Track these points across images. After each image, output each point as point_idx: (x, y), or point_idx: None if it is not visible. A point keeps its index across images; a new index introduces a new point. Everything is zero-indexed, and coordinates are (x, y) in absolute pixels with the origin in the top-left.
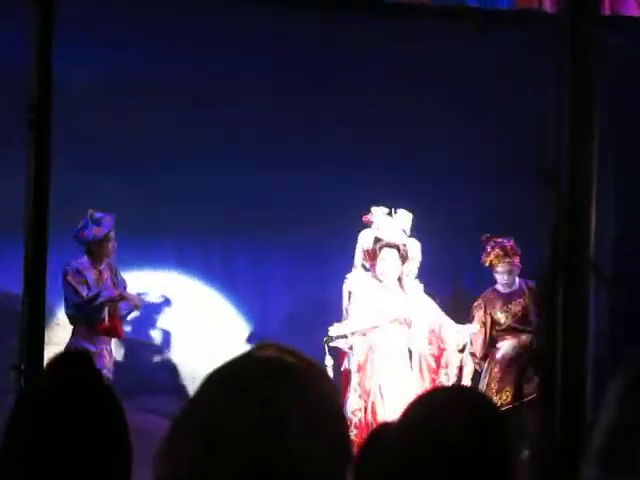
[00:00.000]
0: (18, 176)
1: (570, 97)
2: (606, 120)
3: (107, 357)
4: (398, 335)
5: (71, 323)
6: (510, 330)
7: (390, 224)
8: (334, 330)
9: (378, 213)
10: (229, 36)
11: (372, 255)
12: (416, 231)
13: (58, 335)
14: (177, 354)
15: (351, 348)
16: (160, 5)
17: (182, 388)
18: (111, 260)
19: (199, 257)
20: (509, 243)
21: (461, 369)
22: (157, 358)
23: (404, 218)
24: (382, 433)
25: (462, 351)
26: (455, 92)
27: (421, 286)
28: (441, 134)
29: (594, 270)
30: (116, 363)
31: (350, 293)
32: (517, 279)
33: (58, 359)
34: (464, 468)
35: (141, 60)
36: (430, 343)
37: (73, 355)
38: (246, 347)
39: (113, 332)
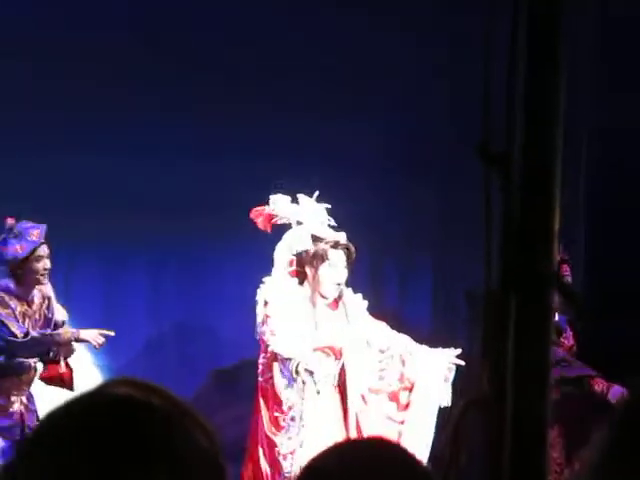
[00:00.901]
0: None
1: (530, 53)
2: (578, 83)
3: (20, 412)
4: (325, 366)
5: None
6: None
7: (321, 217)
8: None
9: (301, 203)
10: None
11: (312, 260)
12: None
13: None
14: None
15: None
16: None
17: None
18: (45, 287)
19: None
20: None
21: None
22: None
23: (320, 207)
24: None
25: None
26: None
27: (365, 303)
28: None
29: (560, 289)
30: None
31: (267, 303)
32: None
33: None
34: None
35: None
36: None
37: None
38: None
39: (68, 382)
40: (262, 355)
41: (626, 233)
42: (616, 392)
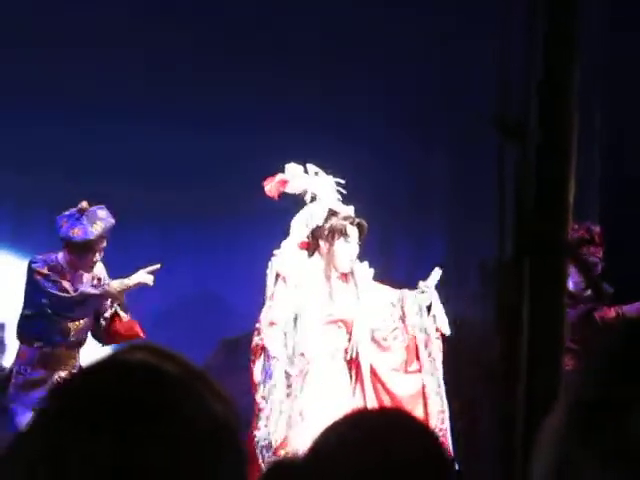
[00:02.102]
0: None
1: (546, 24)
2: (590, 55)
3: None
4: (335, 340)
5: (19, 340)
6: None
7: (333, 190)
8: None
9: (315, 175)
10: None
11: (327, 236)
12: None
13: None
14: None
15: (264, 351)
16: None
17: None
18: (94, 272)
19: None
20: (596, 229)
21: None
22: None
23: (331, 180)
24: (280, 474)
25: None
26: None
27: (372, 272)
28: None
29: (572, 256)
30: None
31: (279, 276)
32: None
33: None
34: None
35: None
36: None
37: None
38: None
39: (130, 334)
40: (256, 333)
41: None
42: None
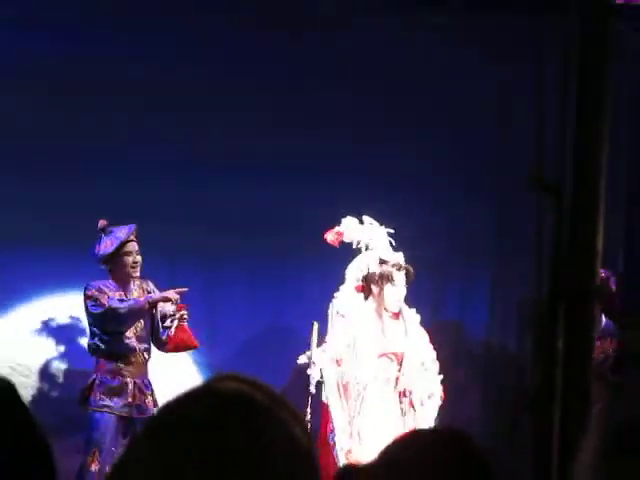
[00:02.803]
0: None
1: (577, 96)
2: (617, 120)
3: (132, 392)
4: (386, 371)
5: (92, 354)
6: None
7: (384, 239)
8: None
9: (369, 227)
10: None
11: (379, 280)
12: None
13: None
14: None
15: (321, 379)
16: None
17: None
18: (141, 279)
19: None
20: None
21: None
22: None
23: (383, 230)
24: (366, 469)
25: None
26: (436, 96)
27: (418, 317)
28: (423, 147)
29: (601, 303)
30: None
31: (337, 314)
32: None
33: None
34: None
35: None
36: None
37: None
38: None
39: (185, 345)
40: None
41: None
42: None
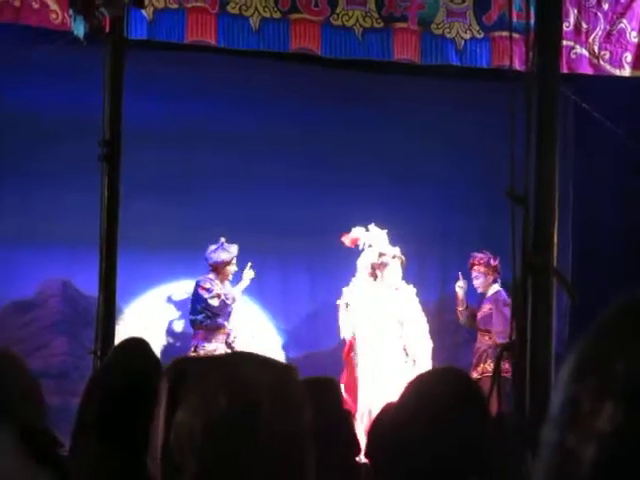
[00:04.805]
0: (93, 197)
1: (537, 136)
2: (564, 153)
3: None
4: (396, 332)
5: (192, 327)
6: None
7: (383, 239)
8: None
9: (371, 232)
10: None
11: (379, 266)
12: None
13: (123, 328)
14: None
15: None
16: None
17: None
18: (228, 282)
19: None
20: (481, 255)
21: None
22: None
23: (383, 233)
24: (387, 410)
25: None
26: (446, 135)
27: (414, 290)
28: (434, 169)
29: (556, 276)
30: None
31: (347, 305)
32: (494, 289)
33: (120, 345)
34: (450, 428)
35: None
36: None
37: (132, 341)
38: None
39: None
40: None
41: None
42: None
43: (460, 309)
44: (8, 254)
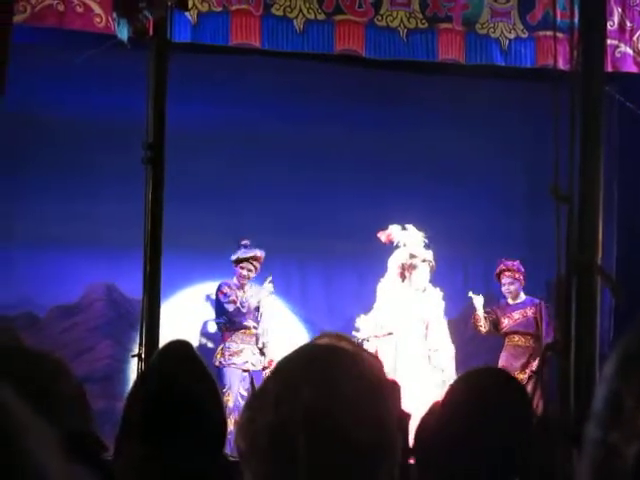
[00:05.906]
0: (137, 202)
1: (581, 135)
2: (609, 153)
3: (250, 353)
4: (421, 334)
5: (219, 329)
6: (512, 332)
7: (418, 241)
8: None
9: (407, 231)
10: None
11: (409, 268)
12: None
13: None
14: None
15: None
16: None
17: None
18: (250, 283)
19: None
20: (513, 262)
21: None
22: None
23: (419, 234)
24: (433, 409)
25: None
26: (489, 135)
27: (441, 293)
28: (478, 166)
29: (601, 275)
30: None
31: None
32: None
33: (164, 348)
34: (494, 427)
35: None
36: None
37: (176, 344)
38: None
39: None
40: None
41: None
42: None
43: (480, 315)
44: (53, 259)
